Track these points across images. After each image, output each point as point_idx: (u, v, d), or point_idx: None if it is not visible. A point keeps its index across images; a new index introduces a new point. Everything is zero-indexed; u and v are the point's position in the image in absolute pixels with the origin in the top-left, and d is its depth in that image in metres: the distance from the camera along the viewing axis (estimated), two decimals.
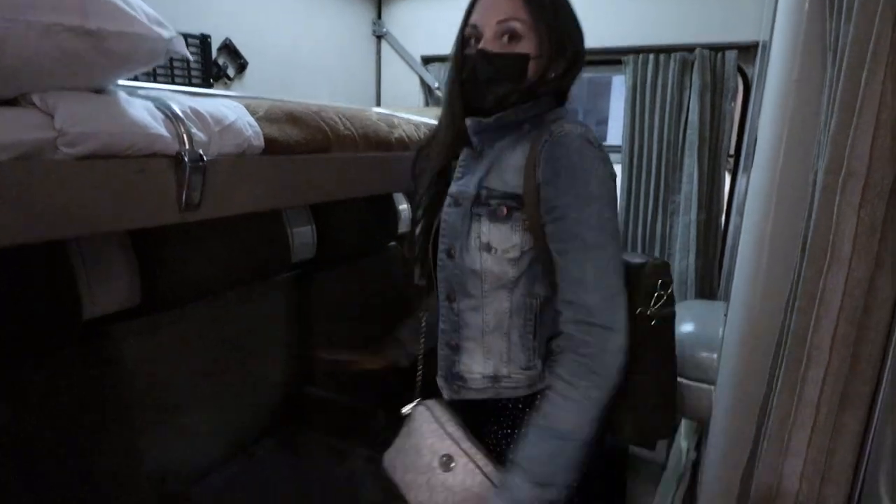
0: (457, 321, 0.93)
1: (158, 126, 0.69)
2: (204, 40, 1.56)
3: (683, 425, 1.75)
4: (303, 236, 1.66)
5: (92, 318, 1.12)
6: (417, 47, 2.21)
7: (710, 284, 1.98)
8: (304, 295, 1.75)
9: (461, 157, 0.95)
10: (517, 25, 0.84)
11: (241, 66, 1.70)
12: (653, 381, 0.93)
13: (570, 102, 0.95)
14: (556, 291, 0.86)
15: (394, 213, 2.06)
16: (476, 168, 0.91)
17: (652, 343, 0.91)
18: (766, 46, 1.29)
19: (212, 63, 1.60)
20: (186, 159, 0.70)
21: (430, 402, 1.02)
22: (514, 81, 0.85)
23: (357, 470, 1.55)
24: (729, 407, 1.14)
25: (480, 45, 0.86)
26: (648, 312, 0.92)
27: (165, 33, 0.65)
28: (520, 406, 0.93)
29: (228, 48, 1.65)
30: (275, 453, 1.60)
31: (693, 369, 1.32)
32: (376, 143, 1.12)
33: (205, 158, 0.73)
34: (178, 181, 0.71)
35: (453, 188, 0.92)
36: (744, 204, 1.26)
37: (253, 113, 0.85)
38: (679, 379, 1.32)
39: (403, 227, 2.17)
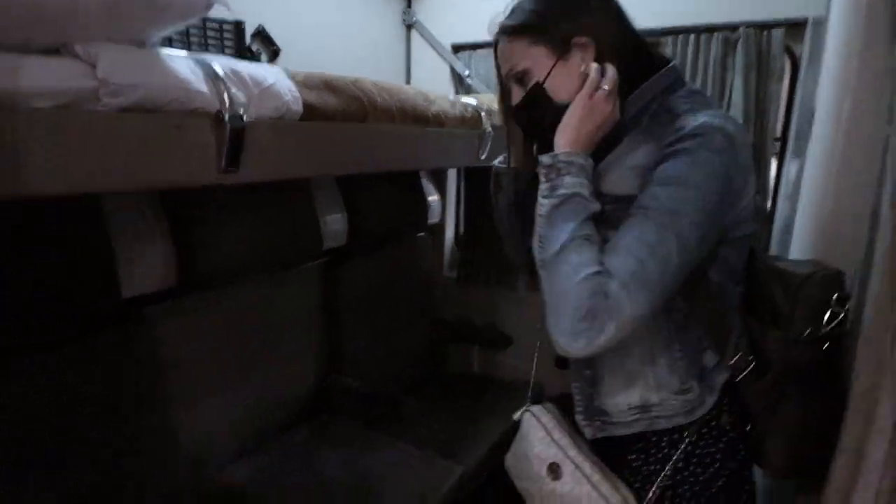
0: None
1: (199, 83, 0.67)
2: (238, 26, 1.56)
3: None
4: (334, 223, 1.64)
5: (128, 298, 1.12)
6: (447, 36, 2.17)
7: None
8: (335, 282, 1.74)
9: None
10: (518, 68, 0.80)
11: (274, 52, 1.69)
12: (815, 410, 0.79)
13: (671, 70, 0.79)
14: (697, 302, 0.75)
15: (424, 202, 2.03)
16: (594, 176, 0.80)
17: (821, 368, 0.77)
18: (820, 21, 1.20)
19: (245, 49, 1.59)
20: (227, 118, 0.68)
21: (537, 409, 0.96)
22: (545, 108, 0.79)
23: (386, 460, 1.52)
24: None
25: (513, 104, 0.82)
26: (820, 334, 0.77)
27: None
28: (675, 438, 0.82)
29: (262, 35, 1.65)
30: (305, 441, 1.58)
31: None
32: (413, 117, 1.09)
33: (244, 119, 0.71)
34: (217, 140, 0.69)
35: None
36: (793, 190, 1.18)
37: (292, 78, 0.83)
38: None
39: (433, 218, 2.14)
